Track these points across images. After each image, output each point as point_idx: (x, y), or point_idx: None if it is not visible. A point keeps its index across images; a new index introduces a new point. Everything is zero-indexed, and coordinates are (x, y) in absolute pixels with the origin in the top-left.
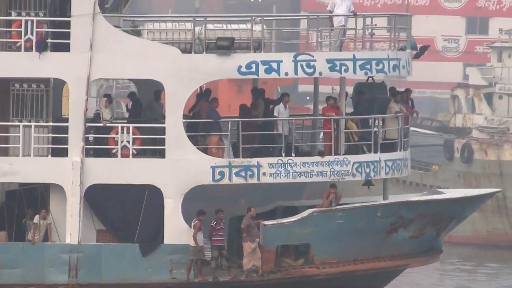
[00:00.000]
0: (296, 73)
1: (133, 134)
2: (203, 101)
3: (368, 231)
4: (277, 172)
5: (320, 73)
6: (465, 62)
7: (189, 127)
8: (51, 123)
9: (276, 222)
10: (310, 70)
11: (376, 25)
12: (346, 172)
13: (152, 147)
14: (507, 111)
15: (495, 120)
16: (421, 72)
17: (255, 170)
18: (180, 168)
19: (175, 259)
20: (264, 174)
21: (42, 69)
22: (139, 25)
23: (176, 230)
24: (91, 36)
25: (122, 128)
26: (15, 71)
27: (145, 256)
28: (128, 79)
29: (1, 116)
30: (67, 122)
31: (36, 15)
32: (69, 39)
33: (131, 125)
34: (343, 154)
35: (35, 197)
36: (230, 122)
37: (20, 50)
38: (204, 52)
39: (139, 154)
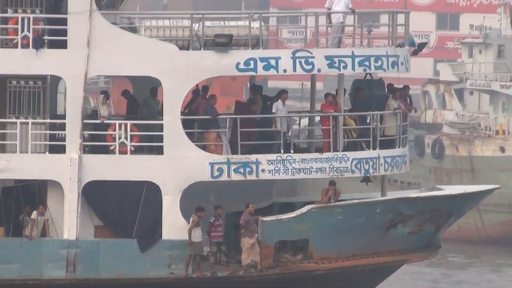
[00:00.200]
0: (294, 69)
1: (131, 131)
2: (201, 98)
3: (367, 227)
4: (276, 168)
5: (319, 70)
6: (435, 58)
7: (185, 124)
8: (48, 120)
9: (275, 218)
10: (309, 67)
11: (374, 21)
12: (345, 168)
13: (150, 144)
14: (478, 107)
15: (466, 116)
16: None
17: (254, 166)
18: (179, 165)
19: (174, 255)
20: (263, 170)
21: (39, 66)
22: (135, 22)
23: (175, 226)
24: (88, 33)
25: (120, 125)
26: (11, 68)
27: (143, 252)
28: (126, 76)
29: None
30: (64, 119)
31: (33, 12)
32: (65, 36)
33: (128, 122)
34: (342, 151)
35: (33, 194)
36: (228, 119)
37: (17, 47)
38: (202, 49)
39: (137, 151)
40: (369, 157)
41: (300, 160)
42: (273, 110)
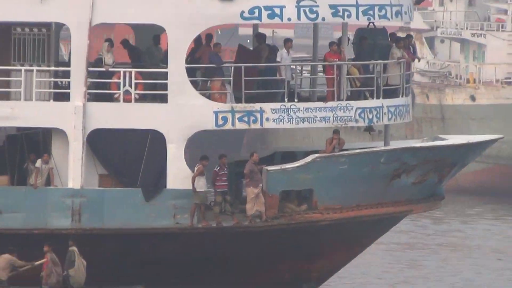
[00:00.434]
0: (299, 18)
1: (135, 79)
2: (205, 47)
3: (372, 177)
4: (280, 117)
5: (323, 19)
6: None
7: (188, 73)
8: (53, 68)
9: (279, 168)
10: (313, 16)
11: None
12: (349, 118)
13: (155, 92)
14: (449, 55)
15: (437, 64)
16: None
17: (258, 115)
18: (183, 113)
19: (179, 204)
20: (267, 119)
21: (44, 13)
22: None
23: (179, 175)
24: None
25: (125, 73)
26: (16, 15)
27: (148, 201)
28: (128, 24)
29: (1, 60)
30: (66, 66)
31: None
32: None
33: (133, 70)
34: (346, 100)
35: (37, 142)
36: (232, 67)
37: None
38: None
39: (140, 99)
40: (372, 107)
41: (304, 109)
42: (277, 59)
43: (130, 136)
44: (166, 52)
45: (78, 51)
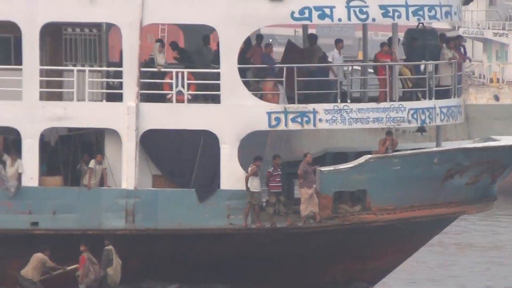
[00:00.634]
0: (349, 19)
1: (187, 80)
2: (256, 47)
3: (425, 177)
4: (333, 118)
5: (373, 19)
6: None
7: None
8: (105, 68)
9: (333, 168)
10: (363, 16)
11: None
12: (402, 118)
13: (208, 92)
14: (472, 55)
15: None
16: None
17: (311, 116)
18: (236, 114)
19: (233, 205)
20: (320, 120)
21: (95, 14)
22: None
23: (233, 175)
24: None
25: (177, 73)
26: (67, 16)
27: (202, 202)
28: (177, 25)
29: (54, 61)
30: (116, 66)
31: None
32: None
33: (185, 70)
34: (398, 101)
35: (90, 142)
36: (285, 68)
37: None
38: None
39: (192, 100)
40: (425, 107)
41: (357, 110)
42: (329, 59)
43: (183, 136)
44: (215, 52)
45: (130, 52)
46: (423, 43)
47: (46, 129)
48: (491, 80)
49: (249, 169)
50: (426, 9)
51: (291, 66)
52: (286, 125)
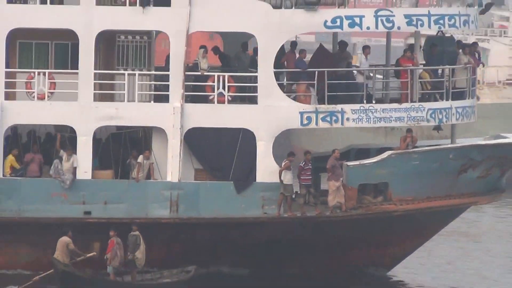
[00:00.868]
0: (377, 27)
1: (228, 83)
2: (290, 53)
3: (441, 171)
4: (360, 117)
5: (399, 27)
6: None
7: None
8: (153, 72)
9: (358, 163)
10: (390, 25)
11: None
12: (421, 118)
13: (246, 94)
14: None
15: None
16: None
17: (339, 115)
18: (271, 113)
19: (267, 196)
20: (347, 119)
21: (145, 22)
22: None
23: (268, 169)
24: None
25: (218, 77)
26: (120, 24)
27: (239, 193)
28: (218, 32)
29: (107, 65)
30: (161, 70)
31: None
32: None
33: (226, 74)
34: (418, 102)
35: (138, 139)
36: (317, 72)
37: (126, 5)
38: (293, 7)
39: (232, 101)
40: (442, 108)
41: (381, 110)
42: (357, 64)
43: (223, 134)
44: (252, 57)
45: (176, 57)
46: (442, 49)
47: (99, 127)
48: None
49: (283, 163)
50: (446, 18)
51: (322, 70)
52: (316, 123)
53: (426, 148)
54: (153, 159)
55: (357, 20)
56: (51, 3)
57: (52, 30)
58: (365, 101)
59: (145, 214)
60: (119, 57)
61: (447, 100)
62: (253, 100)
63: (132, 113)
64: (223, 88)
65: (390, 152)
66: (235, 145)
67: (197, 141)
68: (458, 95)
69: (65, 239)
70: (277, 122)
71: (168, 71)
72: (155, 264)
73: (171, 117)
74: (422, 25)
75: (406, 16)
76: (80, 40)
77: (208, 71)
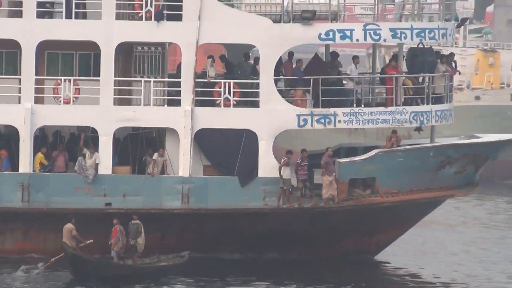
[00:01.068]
0: (365, 39)
1: (233, 89)
2: (287, 62)
3: (422, 167)
4: (350, 119)
5: (385, 40)
6: None
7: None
8: (167, 79)
9: (349, 160)
10: (377, 37)
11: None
12: (404, 120)
13: (249, 99)
14: None
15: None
16: None
17: (332, 118)
18: (272, 116)
19: (268, 189)
20: (339, 121)
21: (160, 35)
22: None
23: (268, 165)
24: (199, 8)
25: (224, 83)
26: (137, 36)
27: (243, 187)
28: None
29: (125, 73)
30: (174, 78)
31: None
32: (181, 10)
33: (231, 81)
34: (402, 105)
35: (153, 139)
36: (312, 79)
37: (142, 20)
38: (291, 22)
39: (236, 104)
40: (423, 111)
41: (369, 112)
42: (347, 72)
43: (228, 134)
44: (253, 66)
45: (187, 66)
46: (423, 59)
47: (118, 128)
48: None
49: (282, 160)
50: (427, 31)
51: (316, 78)
52: (312, 125)
53: (409, 146)
54: (167, 156)
55: (347, 33)
56: (76, 17)
57: (77, 42)
58: (355, 105)
59: (159, 205)
60: (136, 66)
61: (427, 104)
62: (255, 104)
63: (147, 115)
64: (229, 93)
65: (377, 150)
66: (239, 144)
67: (205, 140)
68: (437, 100)
69: (69, 226)
70: (276, 124)
71: (179, 77)
72: (169, 249)
73: (183, 119)
74: (405, 37)
75: (391, 29)
76: (102, 51)
77: (215, 79)
